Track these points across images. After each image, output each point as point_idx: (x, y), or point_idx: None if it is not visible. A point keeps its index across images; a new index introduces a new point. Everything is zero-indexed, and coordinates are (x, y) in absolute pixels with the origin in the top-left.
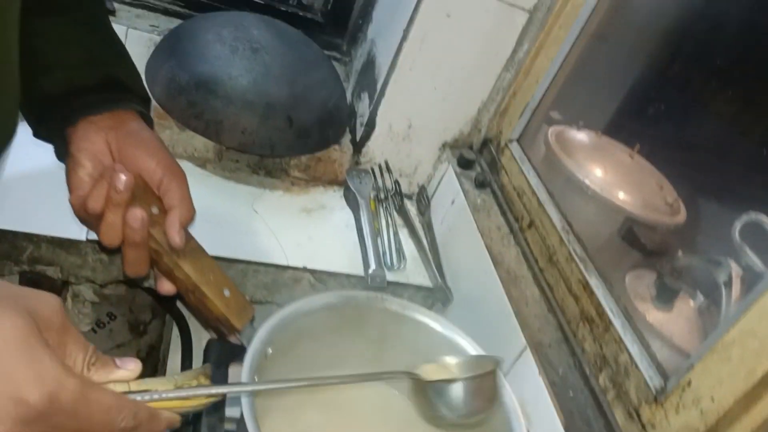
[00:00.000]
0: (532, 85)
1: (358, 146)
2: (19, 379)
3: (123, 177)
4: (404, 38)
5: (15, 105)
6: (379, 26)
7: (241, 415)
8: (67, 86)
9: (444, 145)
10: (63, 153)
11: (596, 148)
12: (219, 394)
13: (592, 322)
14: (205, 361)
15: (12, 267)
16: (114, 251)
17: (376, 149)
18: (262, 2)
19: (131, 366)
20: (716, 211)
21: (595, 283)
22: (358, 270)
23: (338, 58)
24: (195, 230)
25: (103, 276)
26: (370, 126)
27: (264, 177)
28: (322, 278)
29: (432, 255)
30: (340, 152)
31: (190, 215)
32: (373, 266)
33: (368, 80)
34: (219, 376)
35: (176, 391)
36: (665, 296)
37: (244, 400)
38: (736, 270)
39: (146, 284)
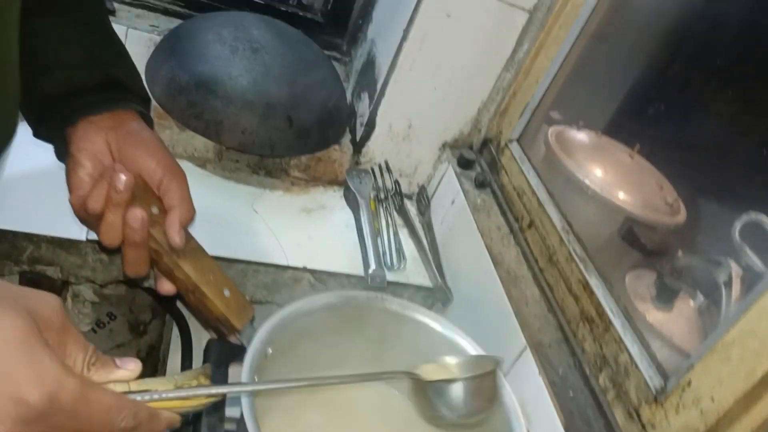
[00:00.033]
0: (532, 85)
1: (358, 146)
2: (19, 379)
3: (123, 177)
4: (404, 38)
5: (15, 105)
6: (379, 26)
7: (241, 415)
8: (67, 86)
9: (444, 145)
10: (63, 153)
11: (596, 148)
12: (219, 394)
13: (592, 322)
14: (205, 361)
15: (12, 267)
16: (114, 251)
17: (376, 149)
18: (262, 2)
19: (131, 366)
20: (716, 211)
21: (595, 283)
22: (358, 270)
23: (338, 58)
24: (195, 230)
25: (103, 276)
26: (370, 126)
27: (264, 177)
28: (322, 278)
29: (432, 255)
30: (340, 152)
31: (190, 215)
32: (373, 266)
33: (368, 80)
34: (219, 376)
35: (176, 391)
36: (665, 296)
37: (244, 400)
38: (736, 270)
39: (146, 284)
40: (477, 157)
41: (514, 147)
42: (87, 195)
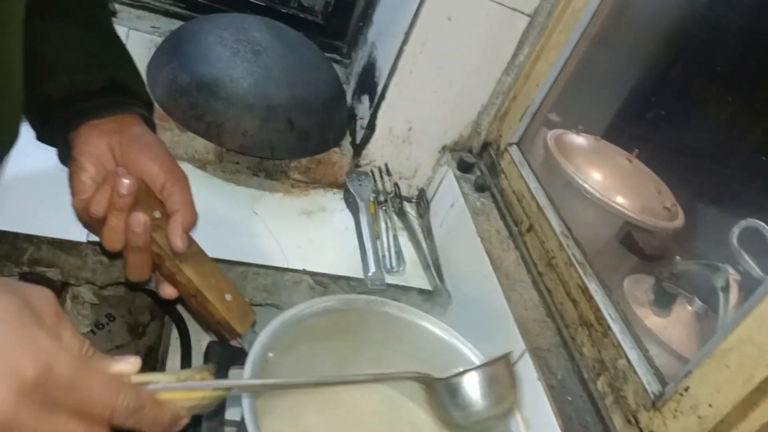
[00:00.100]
0: (532, 88)
1: (358, 149)
2: (13, 352)
3: (126, 181)
4: (405, 41)
5: (18, 109)
6: (380, 29)
7: (242, 417)
8: (69, 89)
9: (444, 149)
10: (66, 157)
11: (595, 153)
12: (224, 387)
13: (590, 327)
14: (205, 364)
15: (12, 268)
16: (116, 255)
17: (376, 152)
18: (262, 4)
19: (131, 359)
20: (714, 216)
21: (593, 287)
22: (357, 272)
23: (338, 60)
24: (195, 232)
25: (104, 278)
26: (370, 129)
27: (264, 179)
28: (321, 281)
29: (431, 258)
30: (340, 155)
31: (193, 220)
32: (372, 269)
33: (368, 83)
34: (220, 379)
35: (181, 383)
36: (663, 301)
37: (245, 402)
38: (733, 275)
39: (148, 287)
40: (477, 161)
41: (514, 151)
42: (90, 199)
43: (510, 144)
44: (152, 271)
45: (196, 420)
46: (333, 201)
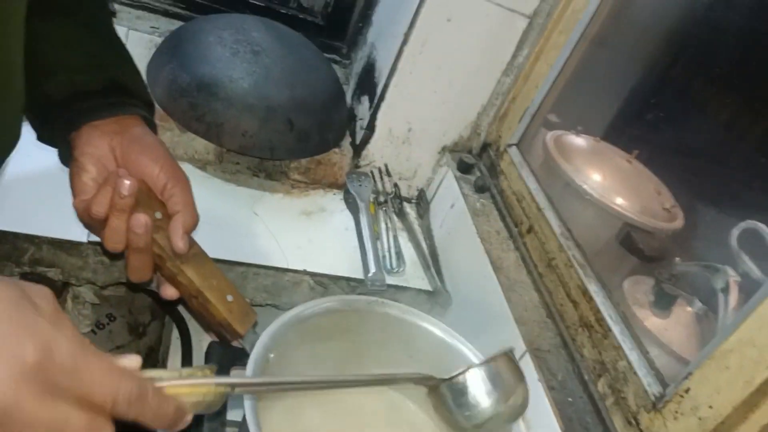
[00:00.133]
0: (531, 89)
1: (357, 149)
2: (12, 336)
3: (127, 182)
4: (405, 42)
5: (20, 110)
6: (380, 30)
7: (243, 418)
8: (70, 90)
9: (443, 149)
10: (67, 157)
11: (595, 154)
12: (227, 383)
13: (591, 328)
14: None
15: (13, 268)
16: (117, 256)
17: (376, 152)
18: (262, 4)
19: (131, 357)
20: (714, 217)
21: (594, 288)
22: (357, 273)
23: (338, 61)
24: (195, 232)
25: (104, 278)
26: (370, 129)
27: (264, 180)
28: (321, 281)
29: (431, 258)
30: (340, 155)
31: (194, 221)
32: (372, 269)
33: (368, 83)
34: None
35: (184, 379)
36: (663, 302)
37: (247, 403)
38: (733, 277)
39: (149, 288)
40: (476, 162)
41: (513, 152)
42: (91, 200)
43: (509, 145)
44: (153, 272)
45: (198, 420)
46: (333, 201)
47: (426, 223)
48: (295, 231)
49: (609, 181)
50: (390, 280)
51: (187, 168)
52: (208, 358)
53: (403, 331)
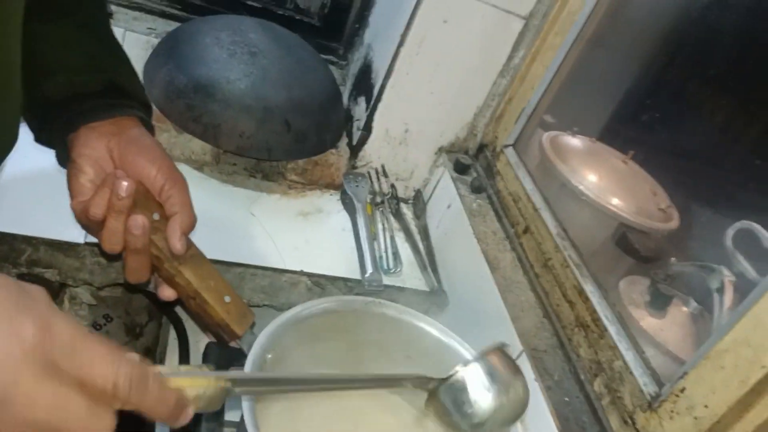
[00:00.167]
0: (527, 90)
1: (354, 150)
2: (12, 316)
3: (124, 183)
4: (401, 43)
5: (18, 111)
6: (376, 31)
7: (241, 418)
8: (68, 91)
9: (440, 150)
10: (64, 159)
11: (590, 154)
12: (227, 377)
13: (587, 328)
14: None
15: (10, 269)
16: (115, 257)
17: (373, 153)
18: (259, 6)
19: (131, 353)
20: (709, 217)
21: (590, 289)
22: (354, 273)
23: (335, 62)
24: (192, 233)
25: (101, 279)
26: (367, 130)
27: (261, 180)
28: (319, 282)
29: (428, 259)
30: (337, 156)
31: (192, 222)
32: (369, 270)
33: (365, 84)
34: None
35: (184, 371)
36: (659, 302)
37: (245, 404)
38: (728, 277)
39: (147, 289)
40: (473, 162)
41: (510, 152)
42: (89, 201)
43: (506, 146)
44: (151, 273)
45: (196, 420)
46: (330, 202)
47: (423, 224)
48: (292, 232)
49: (605, 182)
50: (387, 280)
51: (184, 169)
52: (206, 358)
53: (401, 331)
